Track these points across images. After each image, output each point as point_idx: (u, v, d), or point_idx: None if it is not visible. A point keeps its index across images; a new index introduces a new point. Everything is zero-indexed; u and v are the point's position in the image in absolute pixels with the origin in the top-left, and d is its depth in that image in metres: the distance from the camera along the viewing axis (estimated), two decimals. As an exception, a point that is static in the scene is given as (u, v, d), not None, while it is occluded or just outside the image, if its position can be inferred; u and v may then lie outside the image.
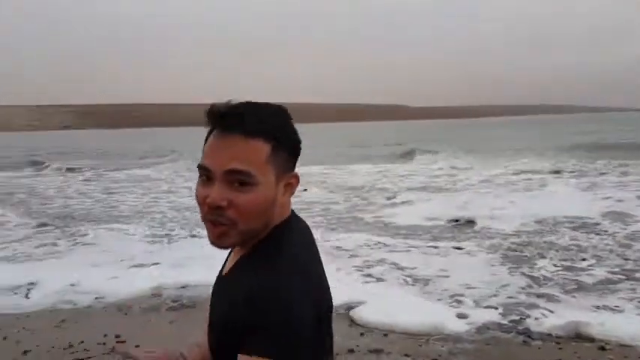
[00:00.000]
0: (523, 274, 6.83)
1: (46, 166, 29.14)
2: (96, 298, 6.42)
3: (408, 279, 6.86)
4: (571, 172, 18.78)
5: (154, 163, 30.43)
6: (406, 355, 4.49)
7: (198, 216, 1.15)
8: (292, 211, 1.23)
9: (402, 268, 7.31)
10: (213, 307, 1.21)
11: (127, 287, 6.74)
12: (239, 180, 1.08)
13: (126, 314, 5.86)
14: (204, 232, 1.16)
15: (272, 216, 1.15)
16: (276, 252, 1.12)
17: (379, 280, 6.90)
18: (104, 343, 4.92)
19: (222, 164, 1.08)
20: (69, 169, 26.90)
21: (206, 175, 1.11)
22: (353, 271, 7.32)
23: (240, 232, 1.11)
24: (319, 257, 1.23)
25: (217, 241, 1.13)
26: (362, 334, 5.01)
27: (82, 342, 4.95)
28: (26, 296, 6.53)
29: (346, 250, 8.48)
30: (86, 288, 6.74)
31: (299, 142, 1.18)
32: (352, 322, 5.37)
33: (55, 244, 9.62)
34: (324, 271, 1.21)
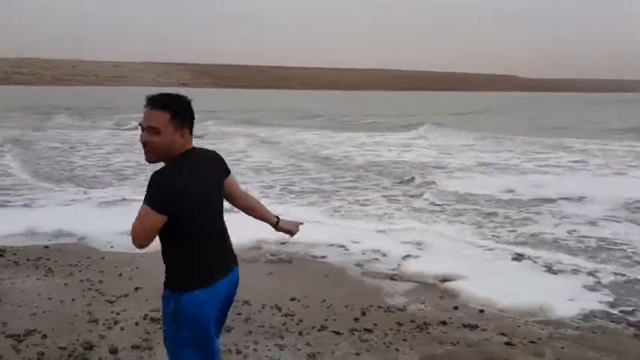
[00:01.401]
0: (632, 262, 6.31)
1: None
2: (202, 245, 6.80)
3: (506, 253, 6.63)
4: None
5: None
6: (502, 334, 4.31)
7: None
8: (194, 147, 2.35)
9: (493, 238, 7.20)
10: None
11: (232, 237, 7.05)
12: (152, 131, 2.22)
13: (227, 262, 6.15)
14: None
15: (175, 148, 2.26)
16: (163, 169, 2.22)
17: (475, 253, 6.71)
18: (206, 287, 5.20)
19: (147, 122, 2.23)
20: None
21: (141, 126, 2.25)
22: (445, 242, 7.17)
23: (155, 156, 2.27)
24: (206, 171, 2.36)
25: (147, 160, 2.29)
26: (455, 308, 4.88)
27: (187, 284, 5.27)
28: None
29: (435, 219, 8.36)
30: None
31: (188, 114, 2.29)
32: (445, 293, 5.26)
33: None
34: (208, 179, 2.36)
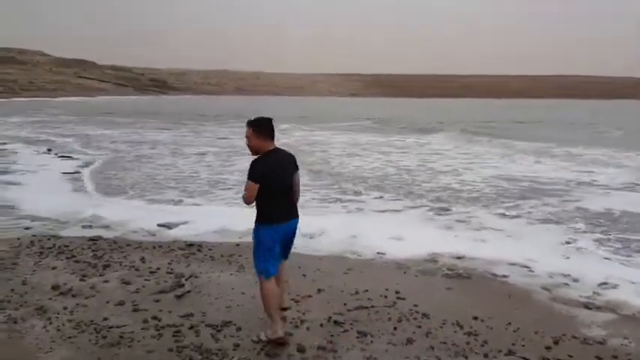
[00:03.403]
0: None
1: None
2: (377, 252, 6.84)
3: None
4: None
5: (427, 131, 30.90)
6: None
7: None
8: (276, 147, 4.11)
9: None
10: None
11: (405, 248, 7.01)
12: (247, 139, 4.11)
13: (404, 273, 6.10)
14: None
15: (261, 148, 4.07)
16: (257, 158, 4.04)
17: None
18: (385, 297, 5.19)
19: (246, 134, 4.13)
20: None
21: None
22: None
23: (251, 152, 4.13)
24: (282, 162, 4.13)
25: (251, 154, 4.16)
26: (671, 348, 4.25)
27: (367, 291, 5.31)
28: (319, 242, 7.33)
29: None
30: (368, 242, 7.23)
31: (265, 128, 4.07)
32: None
33: (339, 200, 10.60)
34: (283, 167, 4.12)
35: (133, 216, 8.77)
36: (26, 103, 72.96)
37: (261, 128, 4.05)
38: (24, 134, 25.91)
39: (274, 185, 3.99)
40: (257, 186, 3.92)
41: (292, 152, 4.33)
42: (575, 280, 5.92)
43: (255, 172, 3.93)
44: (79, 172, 14.04)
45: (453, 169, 15.44)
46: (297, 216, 4.25)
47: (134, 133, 27.59)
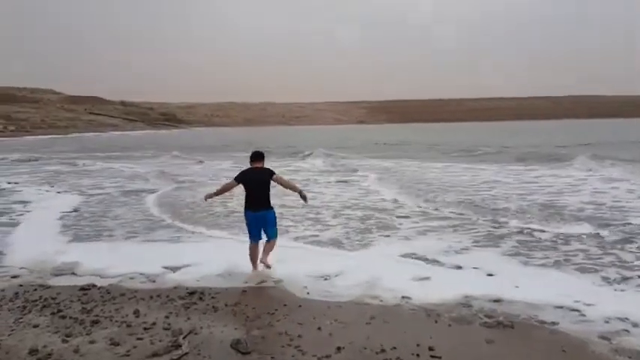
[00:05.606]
0: None
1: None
2: (402, 297, 6.04)
3: None
4: None
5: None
6: None
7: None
8: (256, 166, 7.13)
9: None
10: None
11: (433, 291, 6.22)
12: None
13: (436, 322, 5.28)
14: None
15: (251, 166, 7.26)
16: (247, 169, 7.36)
17: None
18: (418, 355, 4.39)
19: None
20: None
21: None
22: None
23: None
24: (255, 173, 7.04)
25: None
26: None
27: (395, 348, 4.51)
28: (333, 284, 6.56)
29: None
30: (391, 285, 6.44)
31: (252, 158, 7.19)
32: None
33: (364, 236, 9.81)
34: (255, 174, 7.04)
35: (131, 259, 8.01)
36: (40, 141, 73.10)
37: (250, 158, 7.08)
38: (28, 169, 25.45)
39: (248, 185, 6.88)
40: (234, 182, 6.95)
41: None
42: (636, 325, 5.10)
43: (237, 175, 7.00)
44: (78, 211, 13.36)
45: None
46: (267, 209, 6.90)
47: (137, 165, 26.95)
